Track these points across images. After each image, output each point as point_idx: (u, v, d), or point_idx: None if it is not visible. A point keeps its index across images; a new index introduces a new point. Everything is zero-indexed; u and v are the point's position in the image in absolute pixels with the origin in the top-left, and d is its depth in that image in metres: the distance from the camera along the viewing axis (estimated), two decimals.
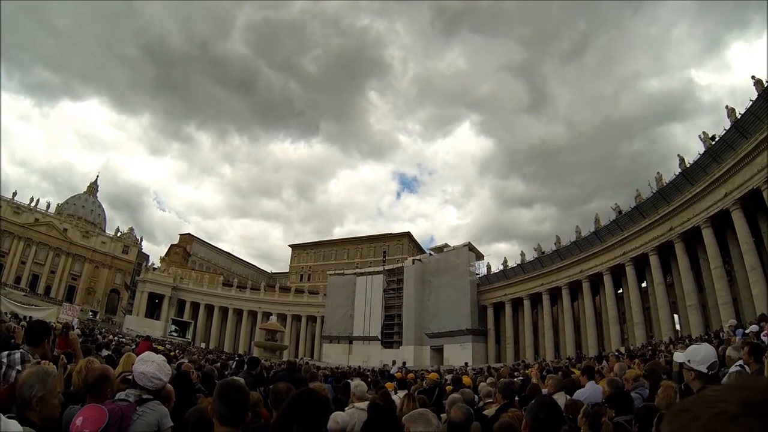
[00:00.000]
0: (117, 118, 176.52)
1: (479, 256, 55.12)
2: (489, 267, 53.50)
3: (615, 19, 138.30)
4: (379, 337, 54.50)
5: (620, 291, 40.19)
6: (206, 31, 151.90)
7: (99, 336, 21.20)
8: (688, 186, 30.55)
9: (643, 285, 37.92)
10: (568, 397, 5.55)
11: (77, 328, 22.88)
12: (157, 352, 6.31)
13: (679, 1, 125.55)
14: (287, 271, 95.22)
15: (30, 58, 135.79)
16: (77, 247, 71.03)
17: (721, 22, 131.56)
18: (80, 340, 7.32)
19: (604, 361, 14.60)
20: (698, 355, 3.50)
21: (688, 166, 30.77)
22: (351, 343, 56.42)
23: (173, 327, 58.74)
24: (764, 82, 25.07)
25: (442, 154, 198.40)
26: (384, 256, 76.28)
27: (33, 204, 68.81)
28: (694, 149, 31.33)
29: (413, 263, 57.01)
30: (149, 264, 73.18)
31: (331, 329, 58.10)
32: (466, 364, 35.76)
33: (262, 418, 4.13)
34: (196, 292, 65.91)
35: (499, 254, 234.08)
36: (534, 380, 8.46)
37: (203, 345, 54.31)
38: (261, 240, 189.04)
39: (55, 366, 3.60)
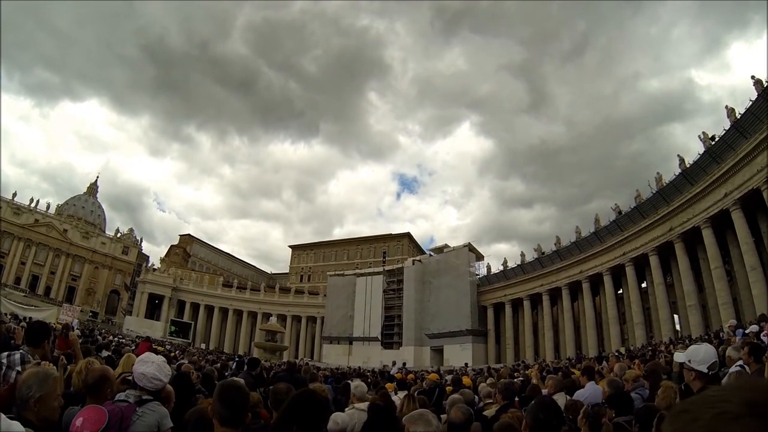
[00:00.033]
0: (117, 119, 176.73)
1: (479, 257, 55.13)
2: (489, 267, 53.68)
3: (615, 19, 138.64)
4: (379, 337, 54.51)
5: (620, 291, 40.20)
6: (206, 31, 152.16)
7: (99, 337, 21.24)
8: (688, 186, 30.57)
9: (643, 285, 37.92)
10: (568, 397, 5.55)
11: (77, 328, 22.87)
12: (157, 352, 6.30)
13: (679, 1, 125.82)
14: (287, 271, 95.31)
15: (30, 58, 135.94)
16: (77, 248, 71.01)
17: (721, 22, 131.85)
18: (80, 340, 7.32)
19: (604, 362, 14.59)
20: (698, 356, 3.50)
21: (688, 166, 30.81)
22: (351, 343, 56.42)
23: (173, 328, 58.69)
24: (764, 82, 25.10)
25: (442, 155, 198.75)
26: (384, 257, 76.26)
27: (33, 205, 68.86)
28: (694, 149, 31.46)
29: (413, 264, 57.02)
30: (149, 265, 73.23)
31: (331, 330, 58.11)
32: (466, 364, 35.60)
33: (262, 418, 4.12)
34: (196, 293, 65.91)
35: (499, 255, 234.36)
36: (534, 381, 8.45)
37: (203, 346, 54.19)
38: (261, 241, 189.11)
39: (55, 367, 3.60)
